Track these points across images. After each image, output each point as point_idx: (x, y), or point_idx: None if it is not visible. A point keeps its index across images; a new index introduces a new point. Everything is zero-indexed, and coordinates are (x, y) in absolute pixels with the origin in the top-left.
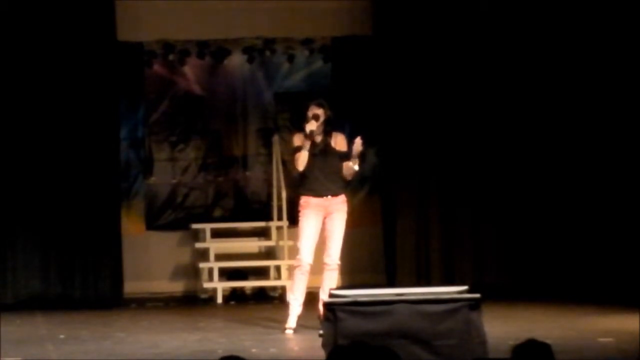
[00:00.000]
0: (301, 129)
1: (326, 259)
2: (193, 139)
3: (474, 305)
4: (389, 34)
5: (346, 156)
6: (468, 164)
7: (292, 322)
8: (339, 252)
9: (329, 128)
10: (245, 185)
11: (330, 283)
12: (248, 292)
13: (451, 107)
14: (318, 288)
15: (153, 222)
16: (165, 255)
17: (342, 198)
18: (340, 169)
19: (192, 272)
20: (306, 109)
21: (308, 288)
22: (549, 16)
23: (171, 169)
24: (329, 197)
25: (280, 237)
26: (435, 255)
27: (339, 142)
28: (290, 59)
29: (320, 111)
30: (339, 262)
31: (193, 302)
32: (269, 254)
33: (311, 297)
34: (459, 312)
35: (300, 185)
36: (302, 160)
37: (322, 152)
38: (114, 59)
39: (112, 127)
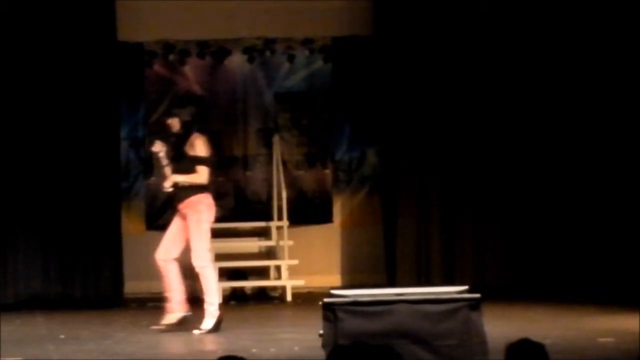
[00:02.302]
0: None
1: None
2: None
3: (474, 305)
4: (389, 34)
5: (202, 161)
6: (468, 164)
7: (165, 319)
8: (198, 255)
9: (189, 131)
10: (246, 185)
11: (202, 284)
12: (248, 292)
13: (452, 107)
14: (319, 289)
15: (153, 222)
16: None
17: (188, 202)
18: (189, 173)
19: (192, 272)
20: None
21: (309, 288)
22: (549, 16)
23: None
24: (179, 202)
25: (280, 237)
26: (435, 255)
27: (194, 145)
28: (291, 59)
29: (173, 120)
30: (202, 265)
31: (193, 302)
32: (269, 254)
33: (312, 297)
34: (459, 312)
35: None
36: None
37: (176, 158)
38: (115, 59)
39: (112, 127)
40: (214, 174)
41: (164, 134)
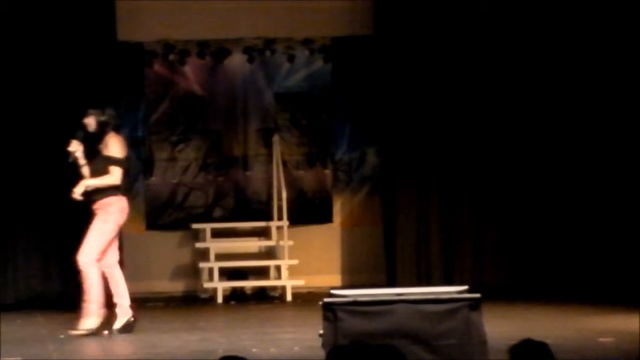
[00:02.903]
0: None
1: None
2: (193, 139)
3: (474, 305)
4: (389, 33)
5: (115, 161)
6: (468, 164)
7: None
8: (86, 252)
9: (104, 131)
10: (246, 185)
11: (84, 284)
12: (248, 292)
13: (452, 106)
14: (319, 289)
15: (153, 222)
16: (165, 255)
17: (101, 204)
18: (102, 173)
19: (193, 272)
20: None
21: (309, 288)
22: (549, 16)
23: (171, 169)
24: (93, 203)
25: (280, 237)
26: (435, 255)
27: (108, 145)
28: (291, 59)
29: (90, 119)
30: (86, 261)
31: (193, 302)
32: (269, 254)
33: (312, 297)
34: (459, 312)
35: None
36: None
37: (93, 158)
38: (114, 59)
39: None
40: (127, 175)
41: (82, 132)
